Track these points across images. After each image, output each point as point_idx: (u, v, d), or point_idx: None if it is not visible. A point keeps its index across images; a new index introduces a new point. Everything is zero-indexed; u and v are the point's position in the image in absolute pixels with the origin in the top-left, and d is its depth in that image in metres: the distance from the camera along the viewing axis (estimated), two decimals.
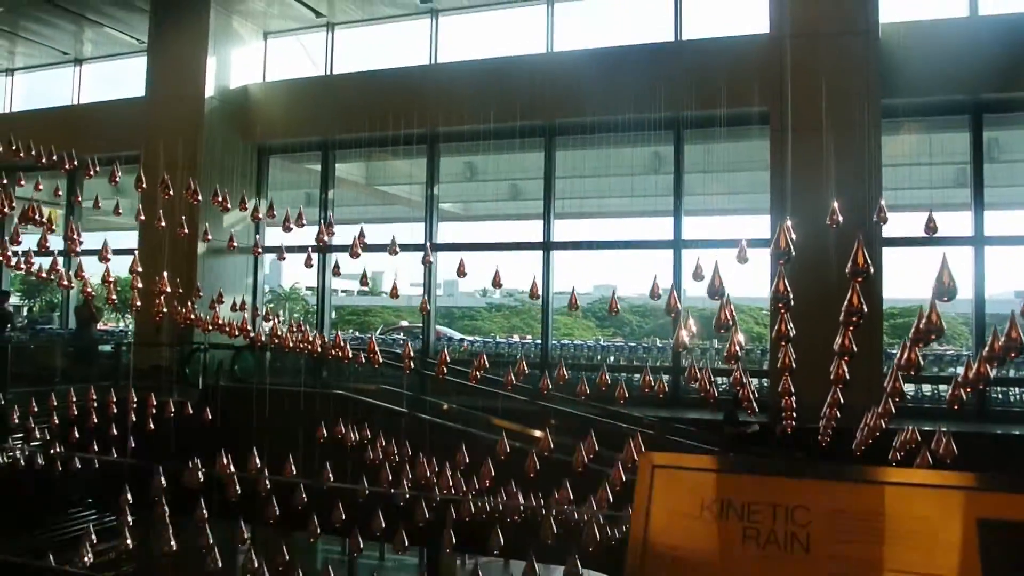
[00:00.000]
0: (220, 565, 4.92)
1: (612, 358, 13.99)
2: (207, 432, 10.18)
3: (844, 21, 10.57)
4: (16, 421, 8.69)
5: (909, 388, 12.10)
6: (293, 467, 6.75)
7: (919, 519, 1.55)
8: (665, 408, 11.99)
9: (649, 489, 1.75)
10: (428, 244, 13.20)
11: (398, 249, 5.91)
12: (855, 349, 2.82)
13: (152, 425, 8.02)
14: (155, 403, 7.34)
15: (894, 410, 3.85)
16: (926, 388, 12.12)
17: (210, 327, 7.41)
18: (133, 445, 8.17)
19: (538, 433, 10.02)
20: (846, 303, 2.47)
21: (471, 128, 12.92)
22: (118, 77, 16.70)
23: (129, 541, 5.60)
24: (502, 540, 5.84)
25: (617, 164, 14.05)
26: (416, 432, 10.18)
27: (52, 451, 8.15)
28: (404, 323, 21.35)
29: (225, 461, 6.09)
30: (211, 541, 5.01)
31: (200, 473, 5.90)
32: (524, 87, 12.57)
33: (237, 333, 7.29)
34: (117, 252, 15.45)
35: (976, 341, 11.29)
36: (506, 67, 13.19)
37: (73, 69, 17.09)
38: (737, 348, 3.63)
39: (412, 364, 12.31)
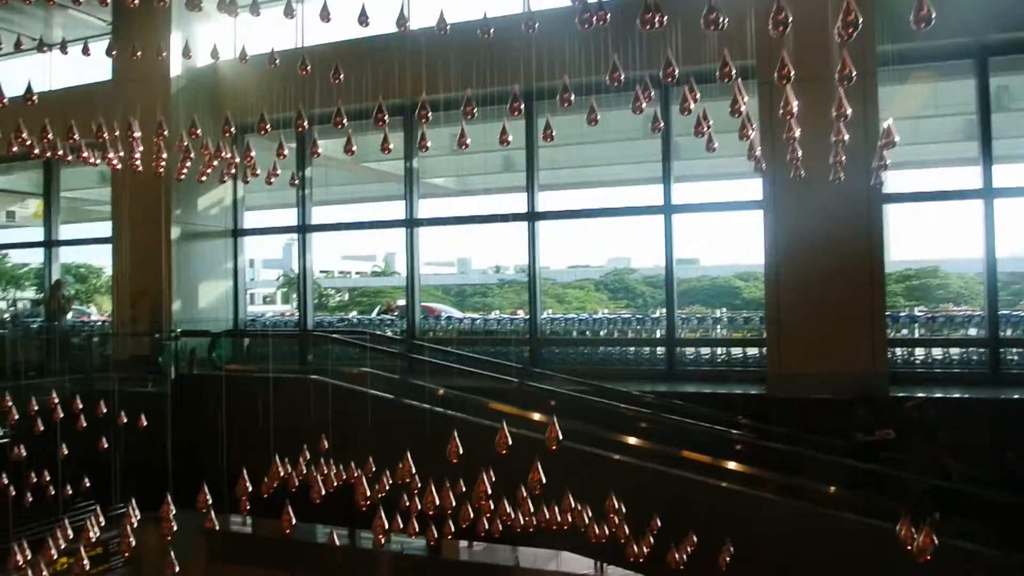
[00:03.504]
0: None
1: (604, 331, 13.41)
2: (178, 421, 9.77)
3: None
4: None
5: (920, 352, 11.48)
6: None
7: None
8: (664, 382, 11.49)
9: None
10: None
11: None
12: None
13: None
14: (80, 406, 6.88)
15: None
16: (936, 352, 11.49)
17: None
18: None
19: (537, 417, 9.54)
20: None
21: (449, 96, 12.34)
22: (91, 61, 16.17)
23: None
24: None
25: (604, 130, 13.40)
26: (401, 418, 9.73)
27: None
28: (401, 302, 20.83)
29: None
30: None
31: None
32: (503, 51, 11.94)
33: None
34: (95, 241, 14.96)
35: (989, 301, 10.63)
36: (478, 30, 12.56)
37: (46, 54, 16.57)
38: None
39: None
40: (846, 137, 5.46)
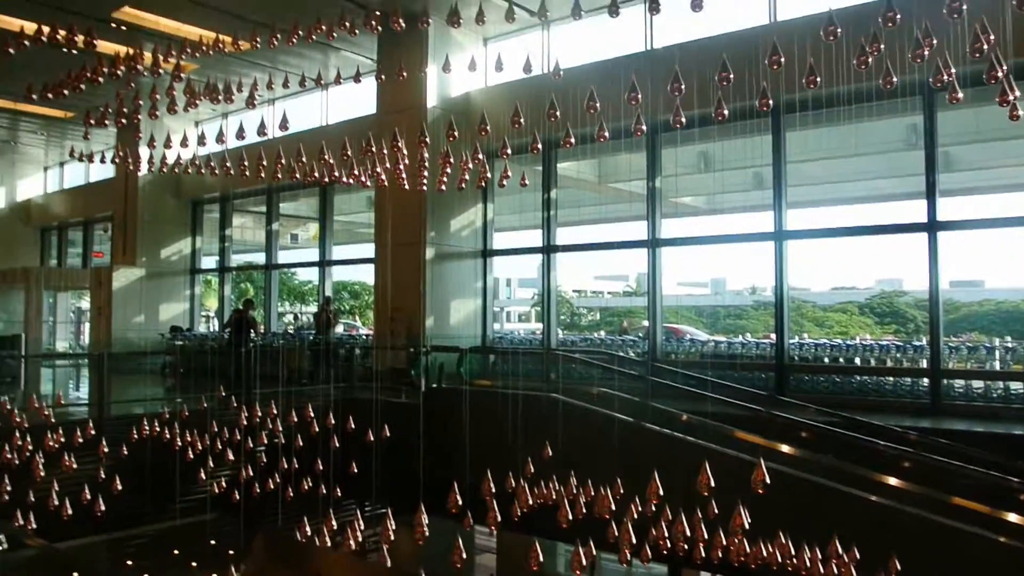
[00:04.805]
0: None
1: (859, 359, 12.37)
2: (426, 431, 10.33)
3: None
4: (257, 420, 9.32)
5: None
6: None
7: None
8: (926, 417, 10.45)
9: None
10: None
11: None
12: None
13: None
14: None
15: None
16: None
17: None
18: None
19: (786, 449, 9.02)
20: None
21: (691, 114, 12.12)
22: (360, 98, 17.61)
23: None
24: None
25: (861, 142, 12.52)
26: (636, 441, 9.58)
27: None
28: (645, 323, 20.69)
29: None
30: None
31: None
32: (746, 63, 11.53)
33: None
34: (361, 261, 16.26)
35: None
36: (726, 45, 12.20)
37: (322, 94, 18.35)
38: None
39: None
40: None
